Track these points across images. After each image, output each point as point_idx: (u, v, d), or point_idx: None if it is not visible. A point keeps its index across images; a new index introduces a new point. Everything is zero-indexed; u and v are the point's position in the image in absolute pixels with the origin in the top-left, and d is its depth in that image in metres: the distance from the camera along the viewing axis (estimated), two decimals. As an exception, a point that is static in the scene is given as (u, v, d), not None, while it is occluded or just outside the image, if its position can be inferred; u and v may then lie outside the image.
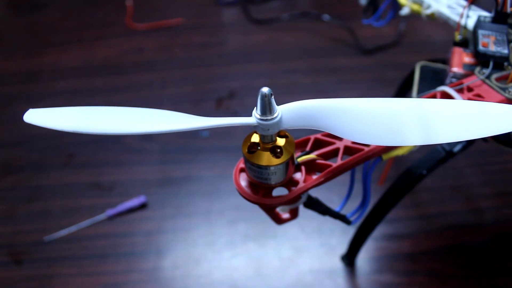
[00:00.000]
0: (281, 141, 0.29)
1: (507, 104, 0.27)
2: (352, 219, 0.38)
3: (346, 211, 0.38)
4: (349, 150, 0.35)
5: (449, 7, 0.48)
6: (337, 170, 0.33)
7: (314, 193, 0.35)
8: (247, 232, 0.56)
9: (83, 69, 0.83)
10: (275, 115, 0.26)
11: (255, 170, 0.29)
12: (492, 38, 0.40)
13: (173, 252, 0.55)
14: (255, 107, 0.27)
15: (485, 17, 0.43)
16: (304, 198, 0.34)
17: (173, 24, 0.91)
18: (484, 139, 0.42)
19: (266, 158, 0.29)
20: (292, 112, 0.27)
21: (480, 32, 0.41)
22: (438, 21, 0.50)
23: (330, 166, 0.33)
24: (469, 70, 0.41)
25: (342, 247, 0.53)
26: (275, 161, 0.29)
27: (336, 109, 0.27)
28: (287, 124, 0.27)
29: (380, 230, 0.54)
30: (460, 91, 0.38)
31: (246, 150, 0.29)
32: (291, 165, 0.31)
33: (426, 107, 0.27)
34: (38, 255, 0.55)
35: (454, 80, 0.41)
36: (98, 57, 0.85)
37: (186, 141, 0.68)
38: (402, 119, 0.27)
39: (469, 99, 0.37)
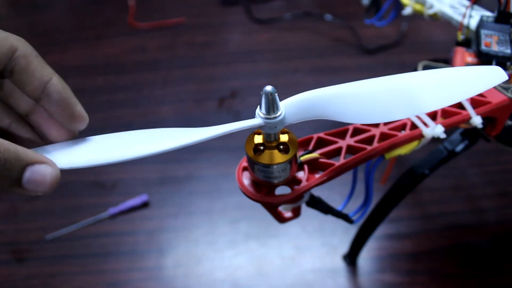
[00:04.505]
0: (284, 137, 0.30)
1: (480, 66, 0.30)
2: (354, 218, 0.38)
3: (348, 210, 0.38)
4: (352, 149, 0.35)
5: (452, 7, 0.48)
6: (340, 169, 0.33)
7: (316, 192, 0.35)
8: (249, 231, 0.56)
9: (85, 68, 0.83)
10: (279, 112, 0.27)
11: (261, 170, 0.29)
12: (495, 38, 0.40)
13: (174, 250, 0.55)
14: (258, 107, 0.27)
15: (488, 17, 0.43)
16: (306, 197, 0.34)
17: (176, 24, 0.91)
18: (487, 139, 0.42)
19: (273, 156, 0.29)
20: (294, 106, 0.28)
21: (483, 32, 0.41)
22: (440, 21, 0.50)
23: (332, 165, 0.33)
24: (472, 70, 0.41)
25: (344, 247, 0.53)
26: (282, 157, 0.29)
27: (333, 95, 0.28)
28: (291, 119, 0.28)
29: (381, 230, 0.54)
30: (462, 90, 0.38)
31: (252, 152, 0.29)
32: (294, 164, 0.31)
33: (408, 80, 0.29)
34: (40, 253, 0.56)
35: (456, 79, 0.41)
36: (100, 56, 0.85)
37: (188, 140, 0.68)
38: (389, 95, 0.28)
39: (472, 98, 0.37)
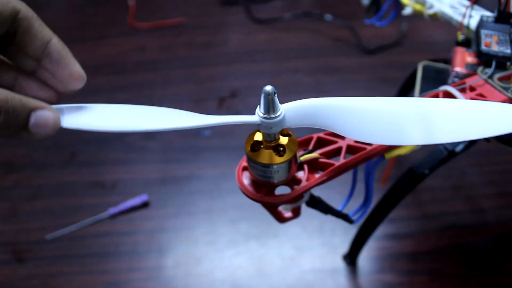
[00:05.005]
0: (284, 140, 0.29)
1: (510, 104, 0.27)
2: (354, 218, 0.38)
3: (348, 210, 0.38)
4: (352, 149, 0.35)
5: (452, 7, 0.48)
6: (340, 169, 0.33)
7: (316, 192, 0.35)
8: (249, 231, 0.56)
9: (85, 68, 0.82)
10: (278, 113, 0.27)
11: (258, 169, 0.29)
12: (495, 38, 0.40)
13: (174, 250, 0.55)
14: (258, 106, 0.27)
15: (488, 17, 0.43)
16: (306, 197, 0.34)
17: (176, 24, 0.91)
18: (487, 139, 0.42)
19: (269, 157, 0.29)
20: (295, 110, 0.27)
21: (483, 32, 0.41)
22: (440, 21, 0.50)
23: (332, 165, 0.33)
24: (472, 70, 0.41)
25: (344, 247, 0.53)
26: (278, 159, 0.29)
27: (339, 107, 0.27)
28: (290, 123, 0.28)
29: (381, 230, 0.54)
30: (462, 90, 0.38)
31: (249, 149, 0.29)
32: (294, 164, 0.31)
33: (429, 106, 0.27)
34: (40, 253, 0.56)
35: (456, 79, 0.41)
36: (100, 56, 0.85)
37: (188, 140, 0.68)
38: (404, 118, 0.27)
39: (472, 98, 0.37)
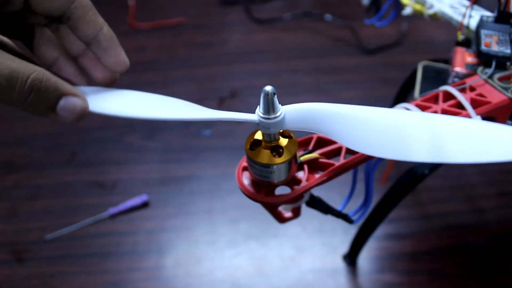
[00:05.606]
0: (283, 141, 0.29)
1: None
2: (354, 218, 0.38)
3: (348, 210, 0.38)
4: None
5: (452, 7, 0.48)
6: (340, 169, 0.33)
7: (316, 192, 0.35)
8: (249, 231, 0.56)
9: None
10: (277, 114, 0.27)
11: (257, 169, 0.29)
12: (495, 38, 0.40)
13: (175, 250, 0.55)
14: (258, 106, 0.27)
15: (487, 17, 0.43)
16: (306, 197, 0.34)
17: (176, 24, 0.91)
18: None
19: (267, 157, 0.29)
20: (295, 113, 0.27)
21: (483, 32, 0.41)
22: (440, 21, 0.50)
23: (332, 165, 0.33)
24: (472, 70, 0.41)
25: (344, 247, 0.53)
26: (278, 159, 0.29)
27: (341, 115, 0.27)
28: (289, 125, 0.27)
29: (381, 230, 0.54)
30: (462, 90, 0.38)
31: (249, 147, 0.29)
32: (294, 164, 0.31)
33: (438, 122, 0.26)
34: (40, 253, 0.56)
35: (456, 79, 0.41)
36: (100, 56, 0.85)
37: (188, 140, 0.68)
38: (410, 133, 0.26)
39: (472, 98, 0.37)
